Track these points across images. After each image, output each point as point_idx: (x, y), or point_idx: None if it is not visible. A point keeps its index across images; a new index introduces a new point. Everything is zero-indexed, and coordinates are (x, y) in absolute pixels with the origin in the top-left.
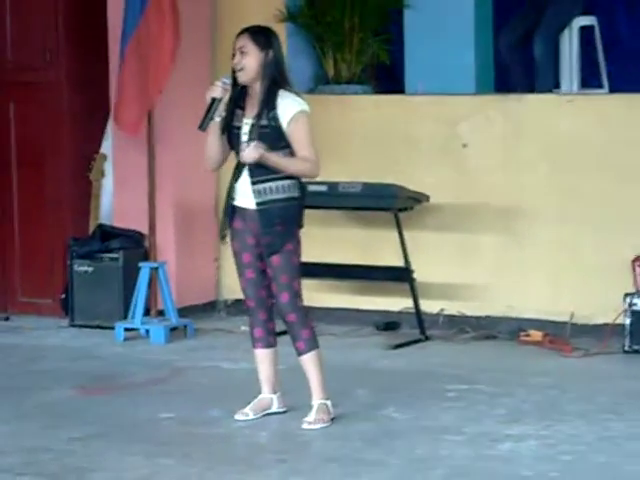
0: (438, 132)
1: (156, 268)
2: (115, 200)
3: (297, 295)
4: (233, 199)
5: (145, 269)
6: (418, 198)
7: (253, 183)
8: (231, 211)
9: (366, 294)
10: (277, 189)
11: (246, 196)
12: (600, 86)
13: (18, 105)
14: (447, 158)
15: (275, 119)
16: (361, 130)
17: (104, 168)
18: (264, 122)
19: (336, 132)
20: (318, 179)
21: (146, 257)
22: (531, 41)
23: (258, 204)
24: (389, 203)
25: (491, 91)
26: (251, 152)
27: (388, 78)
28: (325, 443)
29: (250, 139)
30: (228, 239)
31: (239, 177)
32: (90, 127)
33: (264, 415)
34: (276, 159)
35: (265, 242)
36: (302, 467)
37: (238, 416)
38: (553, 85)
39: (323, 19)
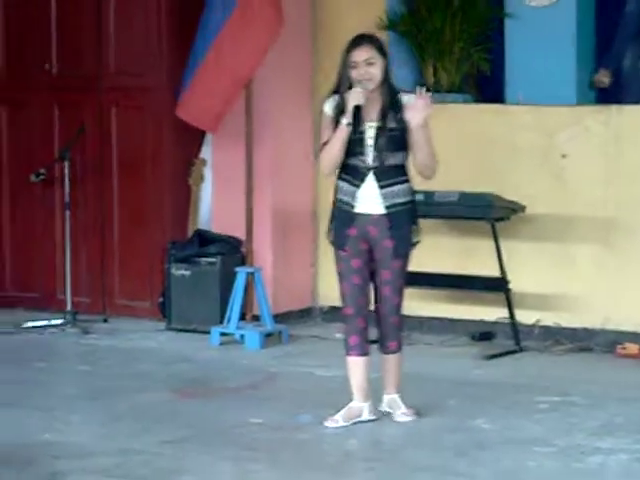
0: (537, 142)
1: (252, 273)
2: (214, 205)
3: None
4: (353, 207)
5: (241, 274)
6: (514, 208)
7: (381, 187)
8: (350, 219)
9: (461, 303)
10: (400, 192)
11: (370, 201)
12: None
13: (119, 110)
14: (546, 168)
15: (402, 121)
16: (460, 139)
17: (204, 173)
18: (392, 125)
19: (435, 140)
20: (416, 188)
21: (243, 262)
22: None
23: (387, 207)
24: (485, 213)
25: (592, 102)
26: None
27: (488, 87)
28: (414, 452)
29: (377, 142)
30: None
31: (361, 184)
32: (190, 132)
33: (354, 423)
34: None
35: (392, 245)
36: (390, 476)
37: (328, 423)
38: None
39: (424, 28)
